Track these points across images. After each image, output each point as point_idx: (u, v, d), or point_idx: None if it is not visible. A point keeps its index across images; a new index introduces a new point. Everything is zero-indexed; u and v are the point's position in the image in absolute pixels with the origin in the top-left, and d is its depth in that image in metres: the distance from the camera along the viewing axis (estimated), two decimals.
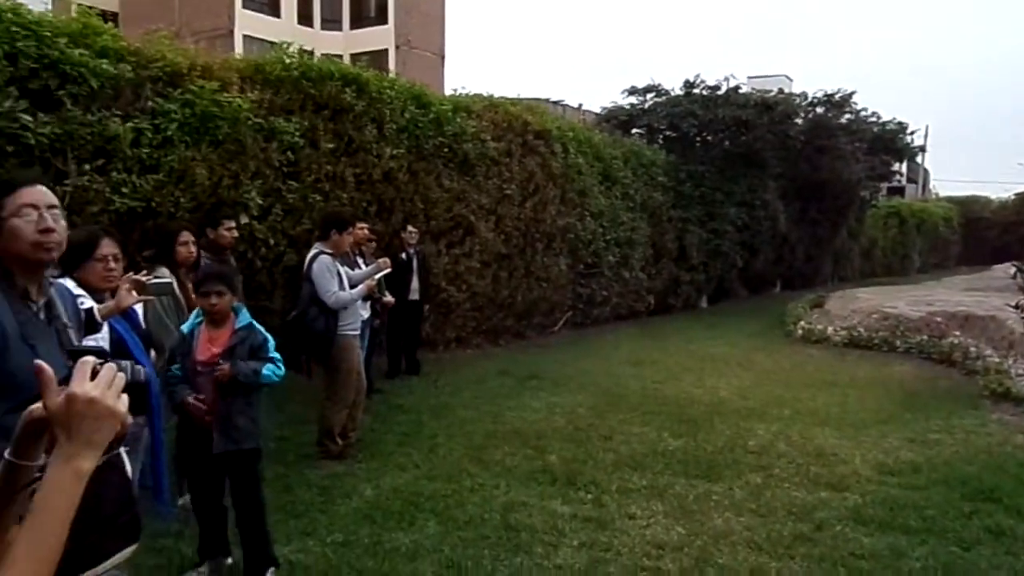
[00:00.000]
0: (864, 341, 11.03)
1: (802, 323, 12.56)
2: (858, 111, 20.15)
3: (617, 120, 17.70)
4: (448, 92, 11.48)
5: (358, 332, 5.55)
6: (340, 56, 22.58)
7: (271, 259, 7.10)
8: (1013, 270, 8.16)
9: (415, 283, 8.16)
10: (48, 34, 5.54)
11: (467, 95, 11.06)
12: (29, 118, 5.26)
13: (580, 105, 34.15)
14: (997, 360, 8.67)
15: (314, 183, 7.56)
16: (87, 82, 5.67)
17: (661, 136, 17.53)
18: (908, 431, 6.28)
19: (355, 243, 6.06)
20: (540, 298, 11.63)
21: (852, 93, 19.74)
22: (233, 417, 3.45)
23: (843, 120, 19.70)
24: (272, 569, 3.54)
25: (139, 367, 1.07)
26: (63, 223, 2.04)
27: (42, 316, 2.07)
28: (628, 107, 18.10)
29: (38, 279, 2.09)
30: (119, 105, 6.03)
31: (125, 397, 1.01)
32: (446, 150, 9.55)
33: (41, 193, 2.02)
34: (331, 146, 7.78)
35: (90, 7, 6.40)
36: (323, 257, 5.10)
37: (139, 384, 1.04)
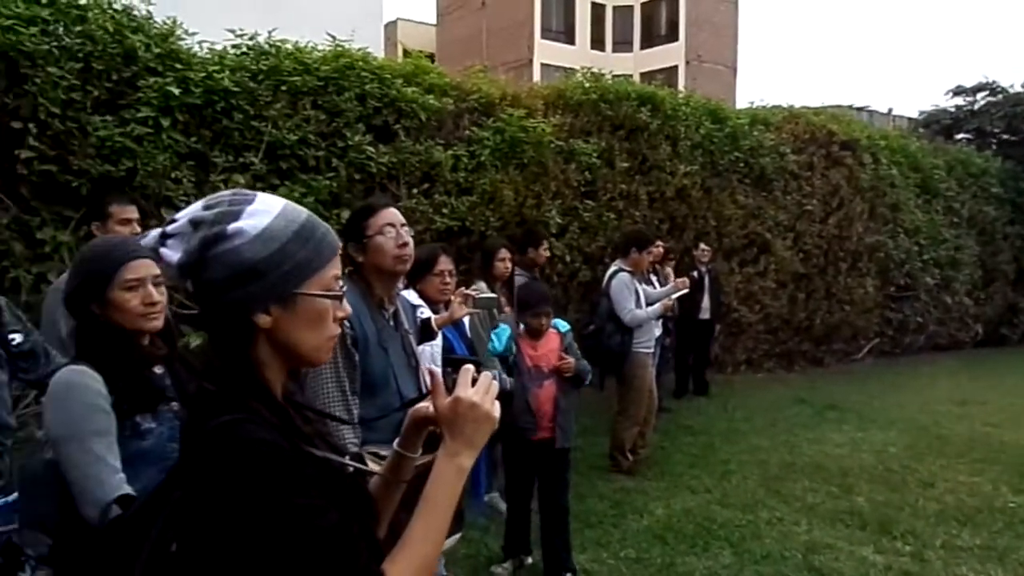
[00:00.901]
0: None
1: None
2: None
3: (939, 125, 15.75)
4: (740, 105, 11.14)
5: (651, 350, 5.56)
6: (631, 76, 23.01)
7: (567, 275, 7.42)
8: None
9: (706, 302, 7.98)
10: (388, 76, 6.38)
11: (764, 107, 10.61)
12: (372, 149, 6.10)
13: (890, 110, 31.04)
14: None
15: (609, 202, 7.76)
16: (417, 116, 6.43)
17: (995, 141, 15.22)
18: None
19: (651, 262, 6.09)
20: (842, 322, 10.70)
21: None
22: (567, 416, 3.77)
23: None
24: (569, 575, 3.66)
25: (504, 377, 1.17)
26: (411, 239, 2.33)
27: (391, 323, 2.37)
28: (952, 109, 16.01)
29: (391, 290, 2.39)
30: (442, 135, 6.73)
31: (498, 403, 1.11)
32: (741, 165, 9.24)
33: (396, 214, 2.33)
34: (626, 165, 7.93)
35: (411, 50, 7.25)
36: (622, 275, 5.20)
37: (506, 392, 1.14)
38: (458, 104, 6.90)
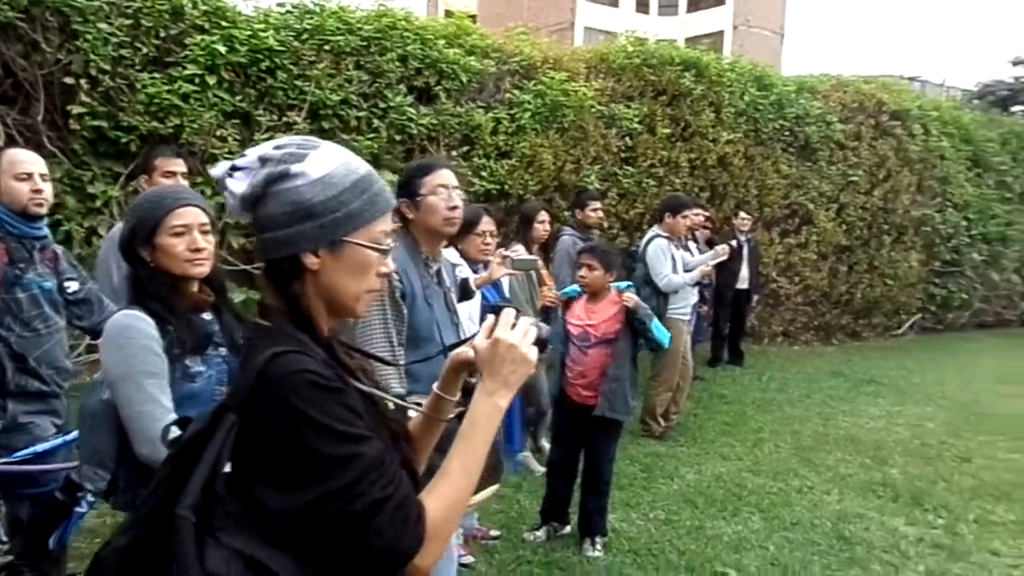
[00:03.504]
0: None
1: None
2: None
3: (995, 96, 15.27)
4: (788, 72, 10.85)
5: (687, 317, 5.55)
6: (675, 40, 22.54)
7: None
8: None
9: (744, 271, 7.90)
10: (431, 37, 6.38)
11: (812, 75, 10.35)
12: (413, 111, 6.12)
13: (944, 81, 30.07)
14: None
15: (649, 168, 7.70)
16: (458, 77, 6.42)
17: None
18: None
19: (690, 228, 6.05)
20: (883, 296, 10.52)
21: None
22: (616, 385, 3.60)
23: None
24: (602, 537, 3.71)
25: (544, 326, 1.20)
26: (461, 202, 2.35)
27: (435, 280, 2.42)
28: (1010, 80, 15.45)
29: (437, 248, 2.44)
30: (482, 97, 6.73)
31: (536, 348, 1.14)
32: (786, 134, 9.07)
33: (450, 175, 2.36)
34: (667, 131, 7.84)
35: (454, 11, 7.22)
36: (659, 240, 5.18)
37: (543, 340, 1.17)
38: (499, 66, 6.87)
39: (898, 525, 4.13)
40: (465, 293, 2.96)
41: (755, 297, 8.35)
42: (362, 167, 1.11)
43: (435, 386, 1.29)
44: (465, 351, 1.21)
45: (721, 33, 30.67)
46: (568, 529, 3.85)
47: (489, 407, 1.11)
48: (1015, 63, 15.50)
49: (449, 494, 1.05)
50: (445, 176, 2.31)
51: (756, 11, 31.11)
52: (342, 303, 1.10)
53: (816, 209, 9.45)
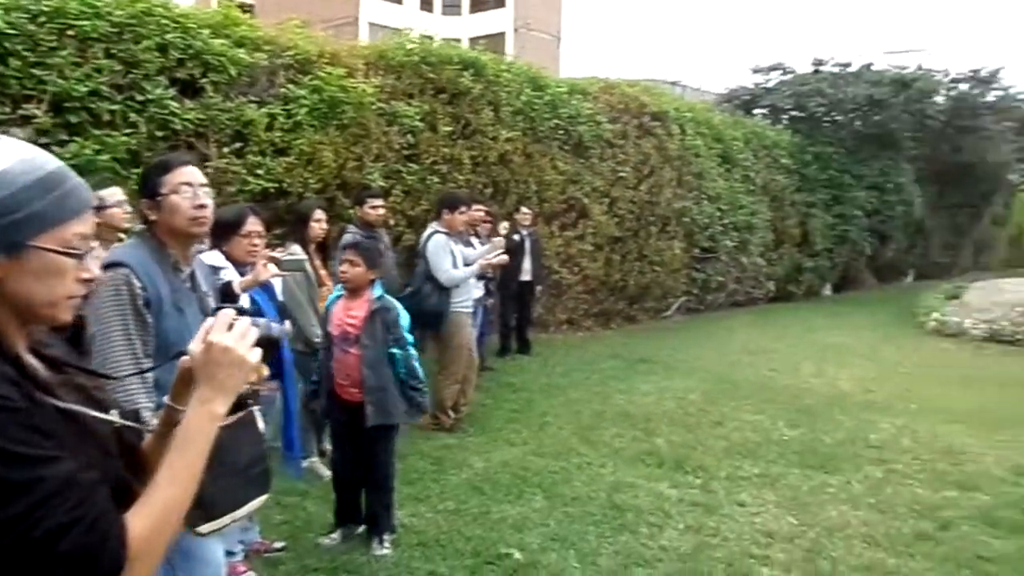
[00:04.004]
0: (1007, 336, 10.26)
1: (936, 315, 11.79)
2: (1007, 89, 18.52)
3: (739, 100, 17.12)
4: (566, 74, 11.50)
5: (470, 310, 5.70)
6: (459, 40, 22.96)
7: (391, 239, 7.38)
8: None
9: (527, 264, 8.25)
10: (193, 26, 5.97)
11: (583, 77, 11.03)
12: (176, 105, 5.71)
13: (700, 86, 33.14)
14: None
15: (432, 165, 7.78)
16: (226, 70, 6.08)
17: (786, 116, 16.80)
18: None
19: (471, 224, 6.21)
20: (653, 282, 11.49)
21: (999, 69, 18.17)
22: (380, 393, 3.53)
23: (990, 99, 18.16)
24: (390, 534, 3.71)
25: (276, 324, 1.18)
26: (211, 201, 2.24)
27: (188, 285, 2.28)
28: (751, 86, 17.46)
29: (187, 251, 2.30)
30: (255, 92, 6.42)
31: (258, 349, 1.12)
32: (561, 132, 9.58)
33: (195, 173, 2.22)
34: (449, 129, 7.98)
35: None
36: (438, 236, 5.27)
37: (272, 339, 1.15)
38: (272, 60, 6.60)
39: (663, 489, 4.55)
40: (227, 298, 2.82)
41: (539, 288, 8.75)
42: (50, 163, 1.01)
43: (166, 397, 1.23)
44: (187, 358, 1.16)
45: (503, 35, 31.70)
46: (361, 529, 3.82)
47: (203, 416, 1.07)
48: (755, 71, 17.47)
49: (156, 510, 1.01)
50: (188, 173, 2.17)
51: (535, 14, 32.50)
52: (35, 312, 1.00)
53: (591, 203, 10.10)
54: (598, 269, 10.35)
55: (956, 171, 18.57)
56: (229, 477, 1.35)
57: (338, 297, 3.72)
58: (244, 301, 3.01)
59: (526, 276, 8.28)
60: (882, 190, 16.57)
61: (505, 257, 5.84)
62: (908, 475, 4.85)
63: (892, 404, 6.73)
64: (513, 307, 8.39)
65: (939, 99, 17.45)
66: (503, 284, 7.93)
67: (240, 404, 1.17)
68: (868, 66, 16.78)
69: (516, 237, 8.02)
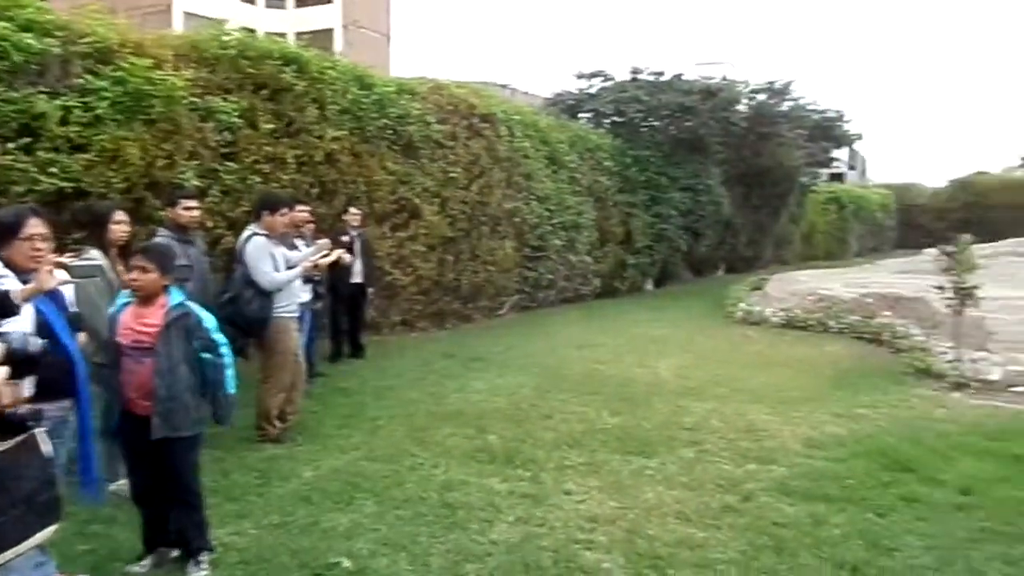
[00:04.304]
0: (800, 322, 11.37)
1: (742, 305, 12.87)
2: (797, 99, 20.62)
3: (564, 104, 17.80)
4: (397, 74, 11.41)
5: (296, 314, 5.51)
6: (283, 35, 22.15)
7: (209, 242, 6.97)
8: (933, 253, 8.53)
9: (358, 266, 8.11)
10: None
11: (412, 77, 10.99)
12: None
13: (529, 90, 34.11)
14: (922, 339, 9.04)
15: (253, 164, 7.44)
16: (9, 57, 5.49)
17: (607, 121, 17.67)
18: (836, 407, 6.52)
19: (294, 225, 6.00)
20: (486, 281, 11.68)
21: (791, 82, 20.20)
22: (174, 401, 3.31)
23: (784, 108, 20.14)
24: (207, 554, 3.51)
25: (35, 339, 1.08)
26: None
27: None
28: (575, 92, 18.20)
29: None
30: (46, 82, 5.84)
31: (7, 367, 1.02)
32: (390, 132, 9.49)
33: None
34: (271, 127, 7.67)
35: None
36: (256, 238, 5.05)
37: (29, 355, 1.05)
38: (66, 47, 6.02)
39: (494, 484, 4.63)
40: (4, 309, 2.53)
41: (371, 290, 8.62)
42: None
43: None
44: None
45: (331, 32, 30.89)
46: (176, 553, 3.57)
47: None
48: (579, 77, 18.22)
49: None
50: None
51: (363, 12, 31.95)
52: None
53: (422, 204, 10.09)
54: (431, 270, 10.37)
55: (758, 174, 20.41)
56: (9, 508, 1.23)
57: (125, 304, 3.43)
58: (27, 312, 2.71)
59: (357, 278, 8.14)
60: (695, 191, 17.86)
61: (340, 253, 5.68)
62: (716, 453, 5.25)
63: (704, 389, 7.26)
64: (344, 310, 8.22)
65: (741, 107, 19.10)
66: (333, 287, 7.74)
67: (18, 427, 1.06)
68: (679, 76, 18.02)
69: (345, 239, 7.84)
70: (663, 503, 4.35)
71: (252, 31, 8.01)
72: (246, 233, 5.19)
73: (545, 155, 13.28)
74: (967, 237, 8.21)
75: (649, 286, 17.47)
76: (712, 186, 18.51)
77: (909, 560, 3.66)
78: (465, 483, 4.63)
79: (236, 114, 7.24)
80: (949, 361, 7.73)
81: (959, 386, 7.16)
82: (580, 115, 17.75)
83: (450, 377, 7.66)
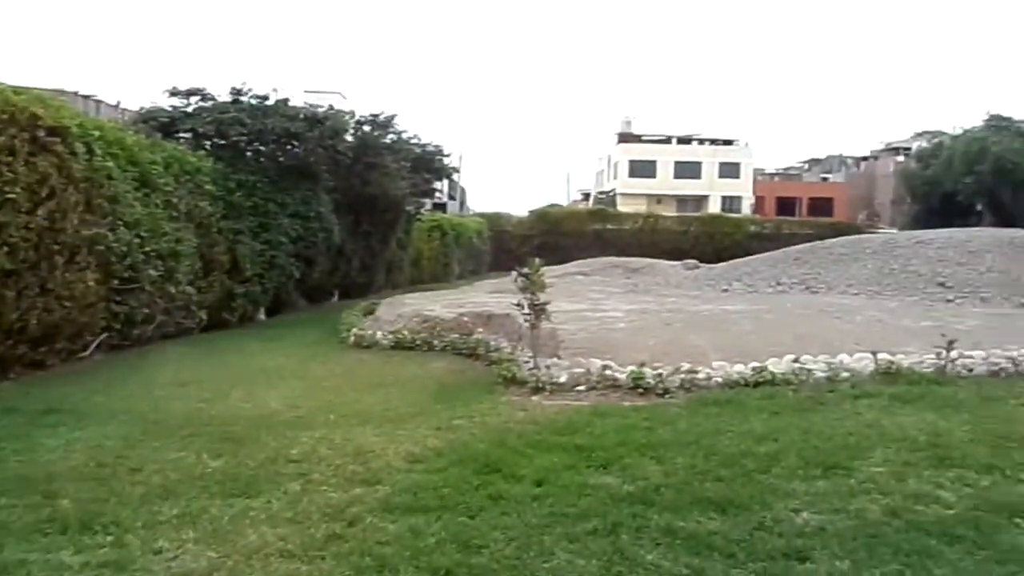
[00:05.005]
0: (408, 343, 11.99)
1: (355, 330, 13.13)
2: (400, 132, 21.93)
3: (157, 122, 16.37)
4: None
5: None
6: None
7: None
8: (514, 275, 9.72)
9: None
10: None
11: None
12: None
13: (118, 103, 30.86)
14: (509, 351, 10.19)
15: None
16: None
17: (208, 143, 16.70)
18: (437, 421, 6.98)
19: None
20: (63, 319, 10.07)
21: (394, 116, 21.42)
22: None
23: (388, 140, 21.22)
24: None
25: None
26: None
27: None
28: (170, 109, 16.87)
29: None
30: None
31: None
32: None
33: None
34: None
35: None
36: None
37: None
38: None
39: (64, 558, 3.97)
40: None
41: None
42: None
43: None
44: None
45: None
46: None
47: None
48: (173, 94, 16.92)
49: None
50: None
51: None
52: None
53: None
54: None
55: (367, 201, 21.12)
56: None
57: None
58: None
59: None
60: (305, 218, 17.78)
61: None
62: (324, 482, 5.22)
63: (315, 417, 7.20)
64: None
65: (349, 137, 19.63)
66: None
67: None
68: (285, 101, 17.83)
69: None
70: (266, 543, 4.17)
71: None
72: None
73: (134, 176, 12.01)
74: (538, 260, 9.46)
75: (262, 316, 16.87)
76: (323, 213, 18.63)
77: (495, 554, 4.04)
78: (26, 563, 3.90)
79: None
80: (530, 369, 8.83)
81: (537, 390, 8.21)
82: (179, 135, 16.48)
83: (12, 438, 6.41)
